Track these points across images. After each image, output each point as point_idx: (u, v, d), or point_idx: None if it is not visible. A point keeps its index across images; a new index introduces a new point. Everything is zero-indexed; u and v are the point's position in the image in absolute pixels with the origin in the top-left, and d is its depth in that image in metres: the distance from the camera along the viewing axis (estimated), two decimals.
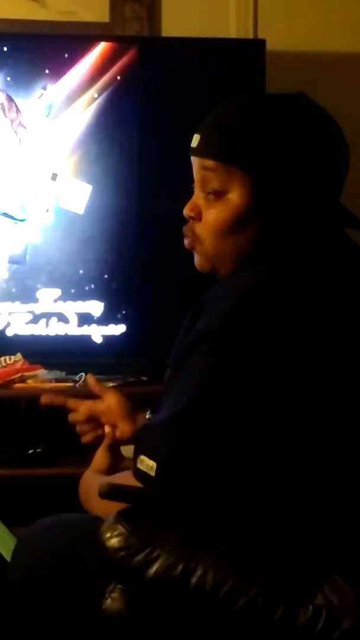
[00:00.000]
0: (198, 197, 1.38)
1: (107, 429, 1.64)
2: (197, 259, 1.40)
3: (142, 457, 1.26)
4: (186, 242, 1.40)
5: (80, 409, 1.67)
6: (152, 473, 1.24)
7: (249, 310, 1.23)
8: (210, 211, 1.36)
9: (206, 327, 1.24)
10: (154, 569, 1.16)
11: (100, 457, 1.60)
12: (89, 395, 1.74)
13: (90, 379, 1.74)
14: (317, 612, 1.12)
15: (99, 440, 1.65)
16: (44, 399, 1.72)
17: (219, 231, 1.35)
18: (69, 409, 1.69)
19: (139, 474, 1.26)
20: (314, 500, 1.20)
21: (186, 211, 1.39)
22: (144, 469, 1.25)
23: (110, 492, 1.22)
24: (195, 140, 1.38)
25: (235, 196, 1.33)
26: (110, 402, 1.66)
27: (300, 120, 1.33)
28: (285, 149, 1.30)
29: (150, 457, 1.25)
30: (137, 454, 1.28)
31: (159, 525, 1.19)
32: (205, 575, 1.15)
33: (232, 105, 1.37)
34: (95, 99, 2.49)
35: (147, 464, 1.25)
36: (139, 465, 1.26)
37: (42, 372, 2.45)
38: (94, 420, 1.67)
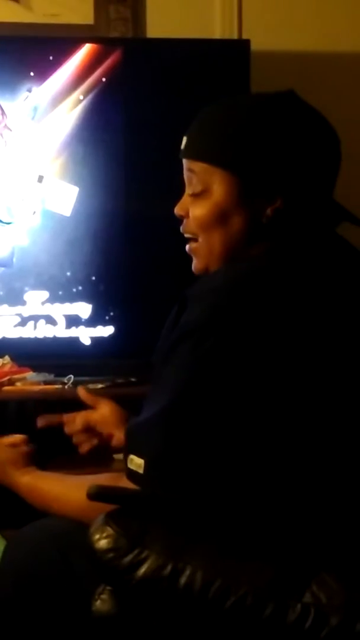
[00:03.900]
0: (186, 196, 1.40)
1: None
2: (194, 263, 1.42)
3: (132, 456, 1.26)
4: (188, 246, 1.42)
5: (77, 420, 1.69)
6: (141, 471, 1.24)
7: (233, 304, 1.24)
8: (195, 208, 1.38)
9: (191, 322, 1.24)
10: (143, 569, 1.16)
11: (9, 453, 1.59)
12: (80, 402, 1.75)
13: (82, 391, 1.75)
14: (305, 610, 1.12)
15: (96, 449, 1.67)
16: (40, 423, 1.74)
17: (203, 226, 1.37)
18: (66, 422, 1.71)
19: (130, 474, 1.26)
20: (303, 498, 1.21)
21: (176, 211, 1.42)
22: (134, 468, 1.25)
23: (98, 494, 1.22)
24: (183, 142, 1.41)
25: (216, 193, 1.35)
26: (104, 411, 1.69)
27: (282, 115, 1.34)
28: (264, 141, 1.32)
29: (139, 455, 1.25)
30: (126, 453, 1.28)
31: (147, 526, 1.19)
32: (194, 575, 1.15)
33: (218, 106, 1.40)
34: (80, 101, 2.49)
35: (137, 463, 1.25)
36: (130, 465, 1.26)
37: (30, 374, 2.45)
38: (90, 430, 1.69)
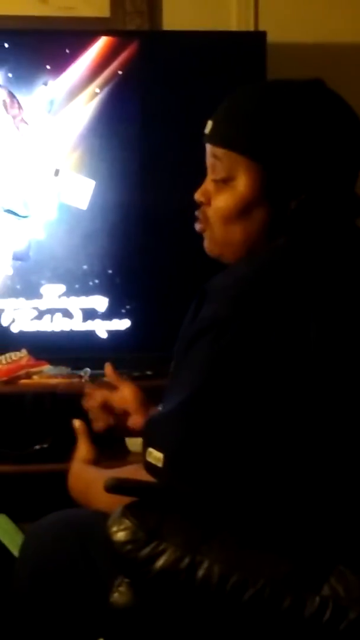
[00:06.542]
0: (208, 182, 1.39)
1: (99, 422, 1.66)
2: (206, 243, 1.41)
3: (150, 449, 1.26)
4: (197, 226, 1.41)
5: (96, 396, 1.69)
6: (160, 464, 1.24)
7: (252, 298, 1.23)
8: (218, 197, 1.36)
9: (210, 316, 1.24)
10: (160, 562, 1.16)
11: (85, 448, 1.59)
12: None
13: (108, 368, 1.76)
14: (323, 603, 1.12)
15: (109, 428, 1.67)
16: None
17: (225, 217, 1.36)
18: (85, 394, 1.71)
19: (149, 467, 1.26)
20: (321, 491, 1.20)
21: (197, 196, 1.40)
22: (153, 461, 1.25)
23: (116, 486, 1.22)
24: (208, 126, 1.39)
25: (240, 184, 1.33)
26: (125, 393, 1.69)
27: (311, 108, 1.32)
28: (295, 136, 1.30)
29: (158, 449, 1.25)
30: (145, 446, 1.28)
31: (165, 518, 1.19)
32: (211, 568, 1.15)
33: (245, 92, 1.38)
34: (97, 94, 2.49)
35: (155, 456, 1.25)
36: (148, 458, 1.26)
37: (47, 368, 2.46)
38: (107, 409, 1.68)
